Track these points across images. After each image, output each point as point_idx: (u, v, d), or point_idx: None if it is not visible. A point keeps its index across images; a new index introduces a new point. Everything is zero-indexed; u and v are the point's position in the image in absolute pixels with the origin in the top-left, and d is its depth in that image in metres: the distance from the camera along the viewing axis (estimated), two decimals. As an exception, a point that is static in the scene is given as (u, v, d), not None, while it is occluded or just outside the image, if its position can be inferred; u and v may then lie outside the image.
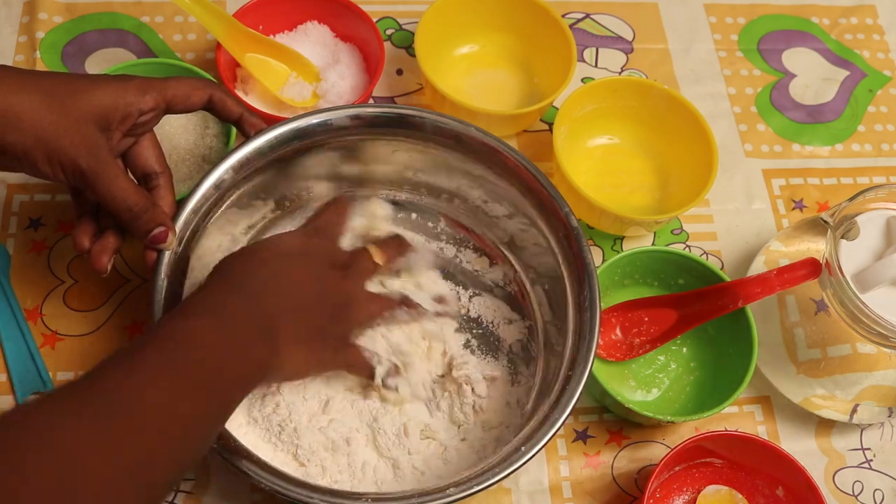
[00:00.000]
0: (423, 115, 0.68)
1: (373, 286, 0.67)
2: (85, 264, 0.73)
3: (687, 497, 0.68)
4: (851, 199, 0.67)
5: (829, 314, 0.69)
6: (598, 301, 0.62)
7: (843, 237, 0.66)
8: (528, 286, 0.71)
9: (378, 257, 0.67)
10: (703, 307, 0.70)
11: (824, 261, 0.66)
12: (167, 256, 0.60)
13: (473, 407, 0.67)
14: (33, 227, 0.74)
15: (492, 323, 0.71)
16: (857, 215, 0.67)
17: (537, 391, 0.66)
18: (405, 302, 0.67)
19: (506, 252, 0.73)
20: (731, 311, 0.69)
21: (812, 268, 0.67)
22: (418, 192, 0.74)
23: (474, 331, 0.71)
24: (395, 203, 0.74)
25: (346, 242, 0.68)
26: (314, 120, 0.66)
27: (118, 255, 0.73)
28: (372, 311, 0.65)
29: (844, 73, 0.92)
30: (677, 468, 0.68)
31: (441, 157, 0.69)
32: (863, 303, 0.63)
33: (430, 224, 0.75)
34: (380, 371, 0.64)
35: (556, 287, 0.66)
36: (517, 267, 0.72)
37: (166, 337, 0.50)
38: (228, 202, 0.65)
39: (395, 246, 0.69)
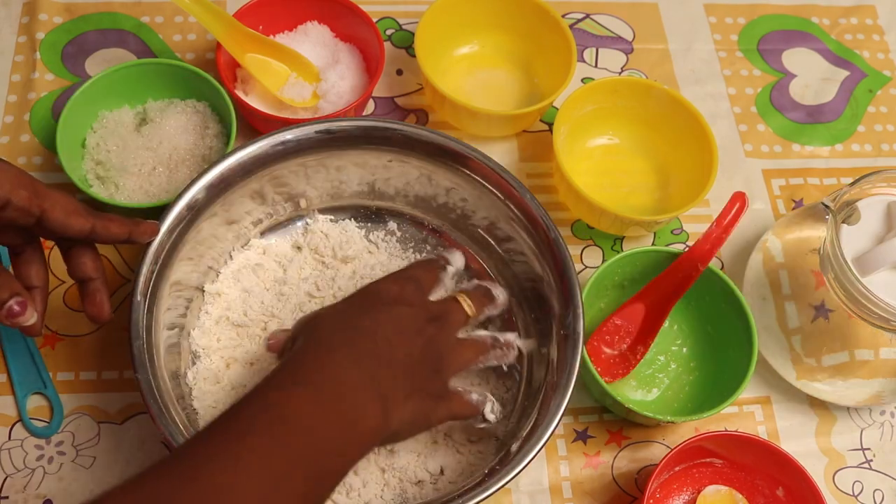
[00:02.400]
0: (400, 129, 0.68)
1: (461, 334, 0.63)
2: (85, 264, 0.73)
3: (687, 497, 0.68)
4: (852, 184, 0.68)
5: (829, 320, 0.69)
6: (581, 319, 0.63)
7: (843, 222, 0.67)
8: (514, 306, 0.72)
9: (468, 307, 0.62)
10: (669, 288, 0.71)
11: (824, 244, 0.67)
12: (143, 276, 0.61)
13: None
14: (33, 228, 0.74)
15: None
16: (857, 201, 0.68)
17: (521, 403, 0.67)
18: (495, 343, 0.63)
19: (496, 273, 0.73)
20: (697, 278, 0.70)
21: (740, 200, 0.70)
22: (394, 201, 0.74)
23: None
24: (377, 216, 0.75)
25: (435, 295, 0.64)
26: (288, 136, 0.67)
27: (118, 255, 0.73)
28: (468, 357, 0.61)
29: (844, 73, 0.92)
30: (677, 468, 0.68)
31: (436, 175, 0.70)
32: (864, 286, 0.63)
33: (420, 242, 0.75)
34: (488, 408, 0.62)
35: (542, 308, 0.67)
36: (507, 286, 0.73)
37: (267, 413, 0.46)
38: (204, 222, 0.66)
39: (483, 295, 0.64)
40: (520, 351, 0.64)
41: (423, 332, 0.57)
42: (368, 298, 0.58)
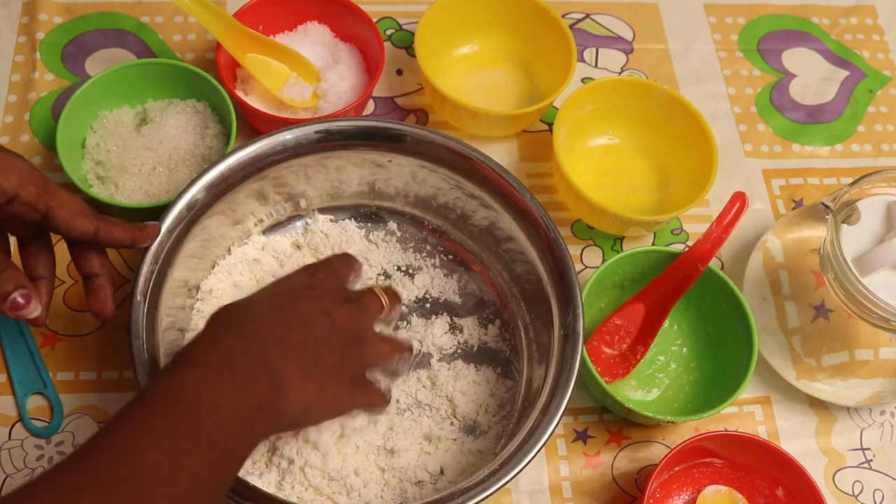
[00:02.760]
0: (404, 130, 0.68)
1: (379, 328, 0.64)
2: (85, 264, 0.73)
3: (687, 497, 0.68)
4: (852, 184, 0.68)
5: (829, 320, 0.69)
6: (581, 319, 0.63)
7: (843, 222, 0.67)
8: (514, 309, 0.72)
9: (383, 299, 0.63)
10: (669, 288, 0.71)
11: (824, 244, 0.67)
12: (143, 276, 0.61)
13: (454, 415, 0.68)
14: (33, 228, 0.74)
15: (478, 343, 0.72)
16: (857, 201, 0.68)
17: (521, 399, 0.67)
18: (411, 348, 0.64)
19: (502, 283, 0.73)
20: (696, 278, 0.70)
21: (740, 200, 0.70)
22: (394, 201, 0.74)
23: (460, 349, 0.71)
24: (376, 218, 0.75)
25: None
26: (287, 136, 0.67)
27: (118, 255, 0.73)
28: (385, 351, 0.61)
29: (844, 73, 0.92)
30: (677, 468, 0.68)
31: (434, 176, 0.70)
32: (864, 286, 0.63)
33: (420, 242, 0.75)
34: (392, 402, 0.63)
35: (541, 309, 0.67)
36: (506, 289, 0.73)
37: (162, 395, 0.48)
38: (204, 222, 0.66)
39: (395, 293, 0.65)
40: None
41: (330, 315, 0.57)
42: (276, 286, 0.60)
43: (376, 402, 0.61)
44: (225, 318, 0.55)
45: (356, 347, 0.59)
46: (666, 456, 0.63)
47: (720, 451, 0.67)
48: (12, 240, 0.59)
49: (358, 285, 0.65)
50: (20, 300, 0.54)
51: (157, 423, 0.46)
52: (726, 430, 0.71)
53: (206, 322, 0.55)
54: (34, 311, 0.55)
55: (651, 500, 0.64)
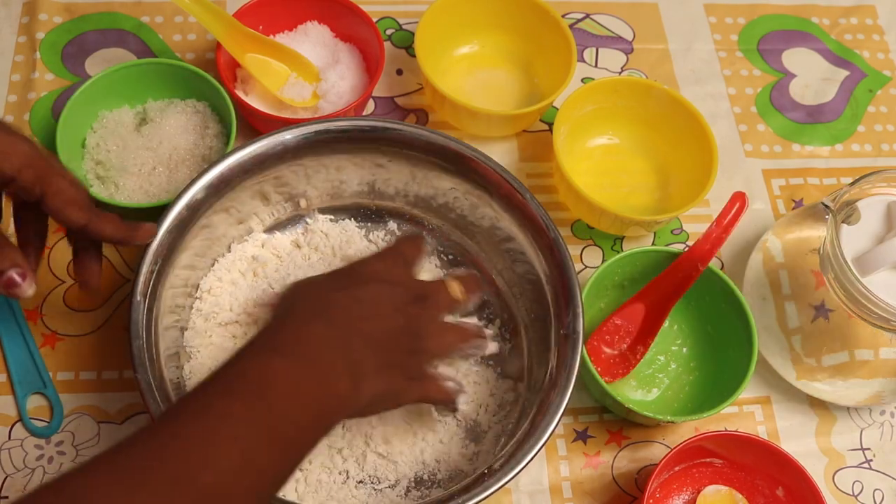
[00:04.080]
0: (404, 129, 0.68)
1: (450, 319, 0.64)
2: (85, 264, 0.73)
3: (687, 497, 0.68)
4: (852, 184, 0.68)
5: (829, 320, 0.69)
6: (581, 319, 0.63)
7: (843, 222, 0.67)
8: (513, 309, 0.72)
9: (457, 292, 0.62)
10: (669, 288, 0.71)
11: (824, 244, 0.67)
12: (143, 276, 0.61)
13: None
14: (33, 228, 0.74)
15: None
16: (857, 201, 0.68)
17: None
18: (479, 333, 0.63)
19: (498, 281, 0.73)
20: (696, 278, 0.70)
21: (740, 200, 0.70)
22: (394, 201, 0.74)
23: None
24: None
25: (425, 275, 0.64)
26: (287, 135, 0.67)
27: (118, 254, 0.73)
28: (449, 341, 0.61)
29: (844, 73, 0.92)
30: (677, 468, 0.68)
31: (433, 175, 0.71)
32: (864, 286, 0.63)
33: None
34: (461, 399, 0.62)
35: (540, 310, 0.67)
36: (505, 289, 0.73)
37: (246, 383, 0.47)
38: (203, 221, 0.66)
39: (474, 281, 0.64)
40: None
41: (404, 311, 0.57)
42: (352, 274, 0.59)
43: (435, 395, 0.60)
44: (305, 301, 0.55)
45: (421, 343, 0.59)
46: (666, 456, 0.63)
47: (720, 451, 0.67)
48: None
49: (426, 268, 0.65)
50: (16, 278, 0.53)
51: (237, 409, 0.45)
52: (726, 430, 0.71)
53: (282, 299, 0.55)
54: (28, 290, 0.54)
55: (651, 500, 0.64)
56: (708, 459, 0.68)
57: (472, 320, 0.68)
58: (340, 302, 0.55)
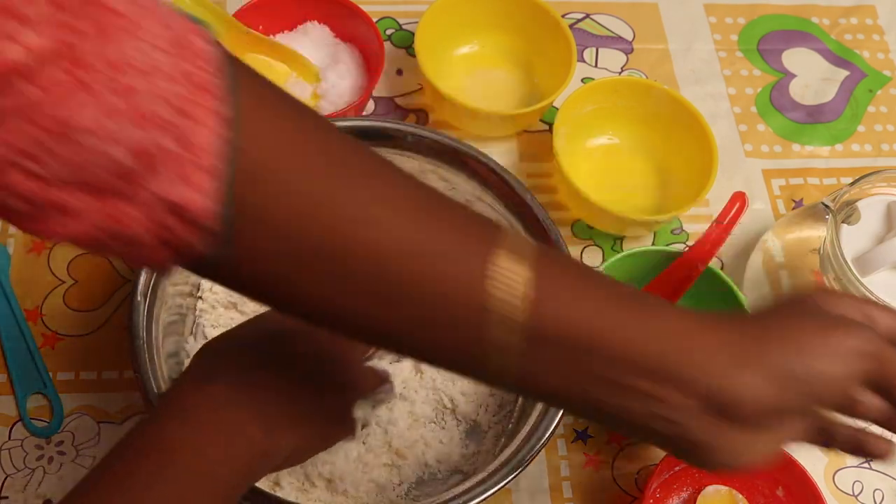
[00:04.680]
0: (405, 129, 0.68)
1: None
2: (84, 264, 0.73)
3: (687, 497, 0.68)
4: (852, 184, 0.68)
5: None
6: None
7: (843, 222, 0.67)
8: None
9: None
10: (668, 288, 0.71)
11: (824, 244, 0.67)
12: (143, 276, 0.61)
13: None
14: (33, 228, 0.74)
15: None
16: (857, 201, 0.68)
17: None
18: (388, 377, 0.62)
19: None
20: (696, 278, 0.70)
21: (740, 200, 0.70)
22: None
23: None
24: None
25: None
26: None
27: (118, 256, 0.73)
28: (373, 384, 0.60)
29: (844, 73, 0.92)
30: (677, 468, 0.68)
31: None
32: (864, 286, 0.63)
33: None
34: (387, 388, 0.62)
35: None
36: None
37: (149, 445, 0.46)
38: None
39: None
40: None
41: (319, 356, 0.55)
42: (261, 324, 0.56)
43: (350, 434, 0.59)
44: (211, 358, 0.52)
45: (346, 389, 0.57)
46: (666, 455, 0.63)
47: None
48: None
49: None
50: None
51: (147, 476, 0.44)
52: None
53: (191, 361, 0.53)
54: None
55: (651, 500, 0.64)
56: None
57: (377, 363, 0.66)
58: (247, 354, 0.52)
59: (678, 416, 0.40)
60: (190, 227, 0.37)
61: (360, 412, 0.60)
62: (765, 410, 0.40)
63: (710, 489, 0.67)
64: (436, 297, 0.39)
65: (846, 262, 0.64)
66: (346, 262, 0.39)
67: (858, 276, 0.64)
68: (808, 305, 0.44)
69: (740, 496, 0.67)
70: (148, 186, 0.35)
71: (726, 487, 0.67)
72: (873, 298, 0.63)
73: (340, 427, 0.57)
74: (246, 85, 0.38)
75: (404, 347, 0.44)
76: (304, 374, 0.53)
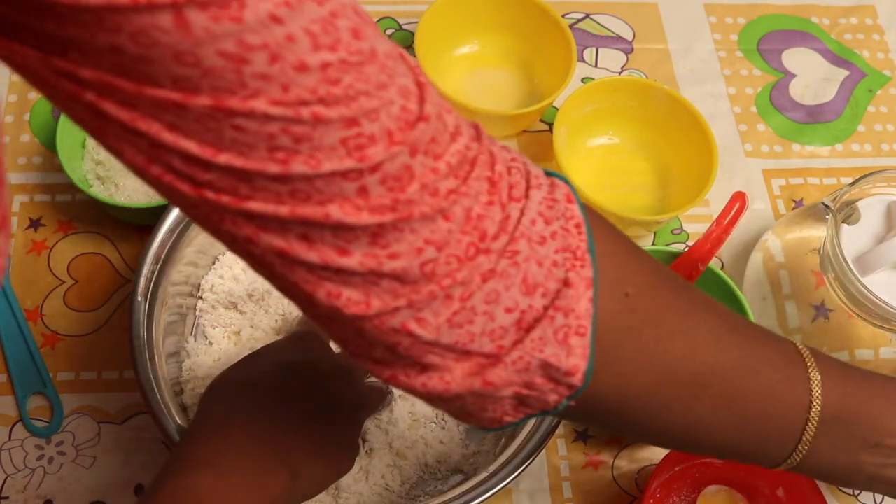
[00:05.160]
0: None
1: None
2: (84, 265, 0.73)
3: (687, 497, 0.68)
4: (852, 184, 0.68)
5: (829, 320, 0.69)
6: None
7: (843, 222, 0.67)
8: None
9: None
10: None
11: (824, 244, 0.67)
12: (144, 276, 0.61)
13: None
14: (33, 228, 0.74)
15: None
16: (857, 201, 0.68)
17: None
18: (389, 391, 0.64)
19: None
20: (697, 278, 0.70)
21: (740, 200, 0.69)
22: None
23: None
24: None
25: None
26: None
27: (118, 255, 0.74)
28: (375, 405, 0.62)
29: (844, 73, 0.92)
30: (677, 468, 0.68)
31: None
32: (864, 285, 0.63)
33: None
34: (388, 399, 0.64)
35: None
36: None
37: (179, 501, 0.45)
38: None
39: None
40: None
41: (328, 387, 0.55)
42: (268, 357, 0.56)
43: (356, 455, 0.59)
44: (223, 400, 0.52)
45: (355, 413, 0.57)
46: (666, 455, 0.63)
47: None
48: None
49: None
50: None
51: None
52: None
53: (201, 405, 0.52)
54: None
55: (651, 500, 0.64)
56: (708, 459, 0.68)
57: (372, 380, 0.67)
58: (259, 392, 0.52)
59: None
60: (555, 386, 0.40)
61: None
62: None
63: (711, 489, 0.67)
64: (767, 404, 0.46)
65: (846, 261, 0.64)
66: (705, 381, 0.44)
67: (858, 276, 0.64)
68: None
69: (740, 496, 0.67)
70: (523, 348, 0.39)
71: (726, 487, 0.67)
72: (873, 298, 0.63)
73: (350, 454, 0.57)
74: (597, 231, 0.42)
75: (721, 448, 0.49)
76: (315, 404, 0.53)
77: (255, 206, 0.34)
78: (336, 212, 0.34)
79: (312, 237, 0.35)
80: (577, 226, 0.41)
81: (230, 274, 0.70)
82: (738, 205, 0.70)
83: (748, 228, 0.81)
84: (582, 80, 0.87)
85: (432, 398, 0.40)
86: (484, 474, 0.58)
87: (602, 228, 0.43)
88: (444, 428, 0.67)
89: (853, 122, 0.89)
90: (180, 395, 0.65)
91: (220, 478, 0.46)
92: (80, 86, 0.32)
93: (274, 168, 0.33)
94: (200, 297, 0.69)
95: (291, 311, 0.69)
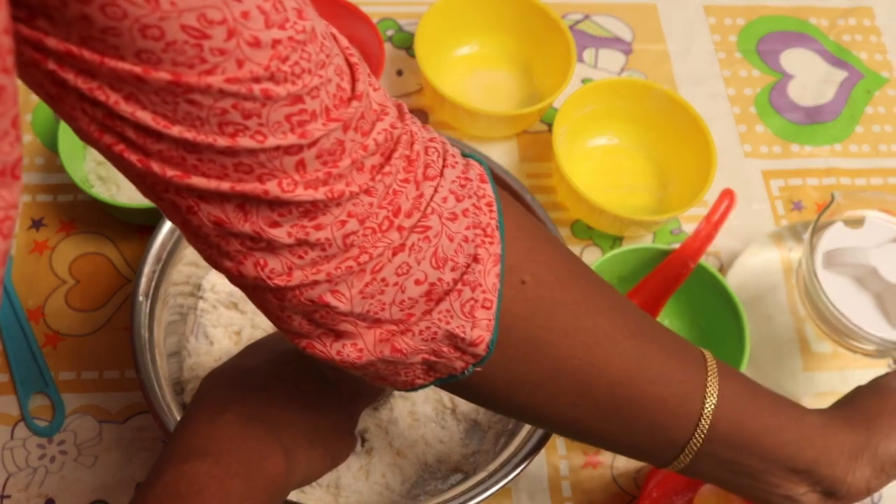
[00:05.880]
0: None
1: None
2: (86, 265, 0.73)
3: (684, 496, 0.68)
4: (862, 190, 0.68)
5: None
6: None
7: (846, 224, 0.67)
8: None
9: None
10: (661, 285, 0.71)
11: (800, 265, 0.67)
12: (145, 276, 0.61)
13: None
14: (35, 228, 0.74)
15: None
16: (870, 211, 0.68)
17: None
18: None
19: None
20: (688, 275, 0.70)
21: (728, 197, 0.70)
22: None
23: None
24: None
25: None
26: None
27: (119, 255, 0.74)
28: (375, 394, 0.61)
29: (842, 74, 0.92)
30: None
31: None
32: (817, 277, 0.64)
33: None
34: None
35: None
36: None
37: (178, 488, 0.45)
38: None
39: None
40: None
41: (323, 375, 0.55)
42: (261, 349, 0.56)
43: (352, 448, 0.59)
44: (218, 388, 0.52)
45: (351, 402, 0.57)
46: None
47: None
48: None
49: None
50: None
51: None
52: None
53: (197, 394, 0.52)
54: None
55: (647, 501, 0.64)
56: None
57: None
58: (254, 380, 0.52)
59: (803, 500, 0.50)
60: (461, 354, 0.43)
61: (360, 425, 0.60)
62: (867, 492, 0.51)
63: (706, 488, 0.67)
64: (665, 412, 0.47)
65: (816, 272, 0.65)
66: (592, 381, 0.46)
67: (816, 268, 0.64)
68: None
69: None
70: (431, 319, 0.42)
71: None
72: (825, 301, 0.64)
73: (347, 442, 0.57)
74: (507, 215, 0.44)
75: (609, 444, 0.51)
76: (310, 394, 0.53)
77: (199, 181, 0.36)
78: (274, 188, 0.36)
79: (249, 209, 0.37)
80: (489, 204, 0.43)
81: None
82: (726, 202, 0.71)
83: (748, 228, 0.81)
84: (581, 81, 0.88)
85: (346, 365, 0.43)
86: (484, 474, 0.58)
87: (513, 213, 0.45)
88: (444, 428, 0.67)
89: (851, 122, 0.89)
90: (181, 395, 0.65)
91: (218, 465, 0.47)
92: (43, 54, 0.33)
93: (223, 142, 0.35)
94: (201, 297, 0.69)
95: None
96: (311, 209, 0.37)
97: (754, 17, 0.94)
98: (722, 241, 0.80)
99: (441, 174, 0.42)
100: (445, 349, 0.43)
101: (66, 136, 0.72)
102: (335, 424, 0.55)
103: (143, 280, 0.61)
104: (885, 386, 0.54)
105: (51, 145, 0.78)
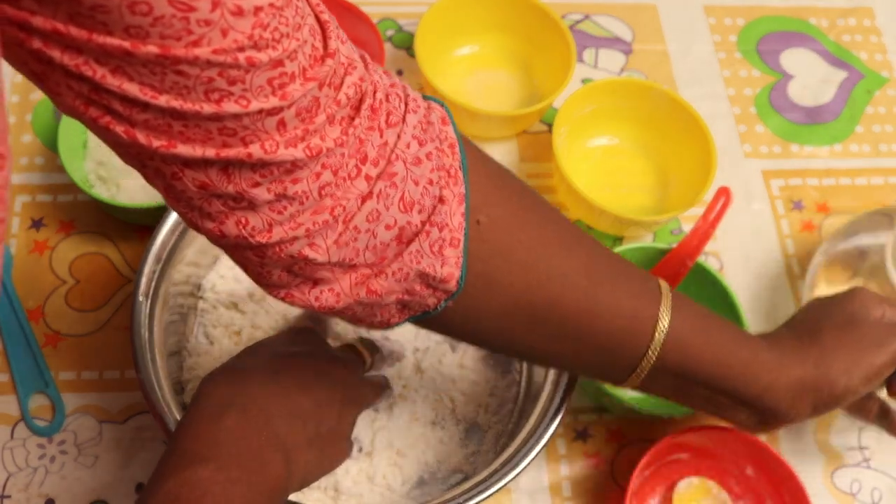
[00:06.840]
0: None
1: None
2: (86, 264, 0.73)
3: (662, 495, 0.68)
4: None
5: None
6: None
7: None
8: None
9: (365, 353, 0.62)
10: None
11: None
12: (145, 276, 0.61)
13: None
14: (35, 228, 0.74)
15: None
16: None
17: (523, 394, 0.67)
18: (387, 384, 0.65)
19: None
20: (686, 273, 0.70)
21: (725, 195, 0.70)
22: None
23: (461, 349, 0.71)
24: None
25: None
26: None
27: (119, 254, 0.74)
28: (371, 398, 0.61)
29: (843, 74, 0.92)
30: (647, 473, 0.67)
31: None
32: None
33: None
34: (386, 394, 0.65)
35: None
36: None
37: (172, 501, 0.45)
38: None
39: (372, 345, 0.65)
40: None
41: (323, 379, 0.55)
42: (261, 351, 0.56)
43: (349, 452, 0.59)
44: (217, 390, 0.51)
45: (350, 406, 0.57)
46: (641, 460, 0.63)
47: (689, 445, 0.67)
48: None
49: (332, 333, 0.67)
50: None
51: None
52: (697, 426, 0.69)
53: (196, 396, 0.52)
54: None
55: (632, 495, 0.64)
56: (675, 456, 0.68)
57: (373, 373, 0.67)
58: (255, 382, 0.52)
59: (744, 423, 0.56)
60: (433, 291, 0.45)
61: (359, 426, 0.60)
62: (798, 423, 0.56)
63: (683, 483, 0.67)
64: (613, 343, 0.51)
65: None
66: (545, 315, 0.49)
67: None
68: (855, 310, 0.57)
69: (712, 483, 0.67)
70: (402, 260, 0.44)
71: (698, 478, 0.67)
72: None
73: (343, 446, 0.57)
74: (470, 159, 0.46)
75: (565, 368, 0.58)
76: (309, 395, 0.54)
77: (184, 149, 0.37)
78: (257, 150, 0.37)
79: (232, 172, 0.38)
80: (451, 146, 0.45)
81: (231, 274, 0.70)
82: (722, 200, 0.70)
83: (748, 228, 0.81)
84: (582, 81, 0.88)
85: (325, 310, 0.45)
86: (484, 474, 0.58)
87: (473, 155, 0.47)
88: (444, 428, 0.67)
89: (851, 122, 0.89)
90: (181, 395, 0.65)
91: (219, 471, 0.47)
92: (28, 33, 0.33)
93: (209, 108, 0.36)
94: (201, 297, 0.69)
95: (292, 311, 0.69)
96: (291, 168, 0.39)
97: (754, 17, 0.95)
98: (722, 242, 0.81)
99: (403, 120, 0.43)
100: (418, 287, 0.45)
101: (66, 136, 0.72)
102: (332, 427, 0.55)
103: (144, 280, 0.61)
104: (852, 314, 0.57)
105: (51, 145, 0.78)
